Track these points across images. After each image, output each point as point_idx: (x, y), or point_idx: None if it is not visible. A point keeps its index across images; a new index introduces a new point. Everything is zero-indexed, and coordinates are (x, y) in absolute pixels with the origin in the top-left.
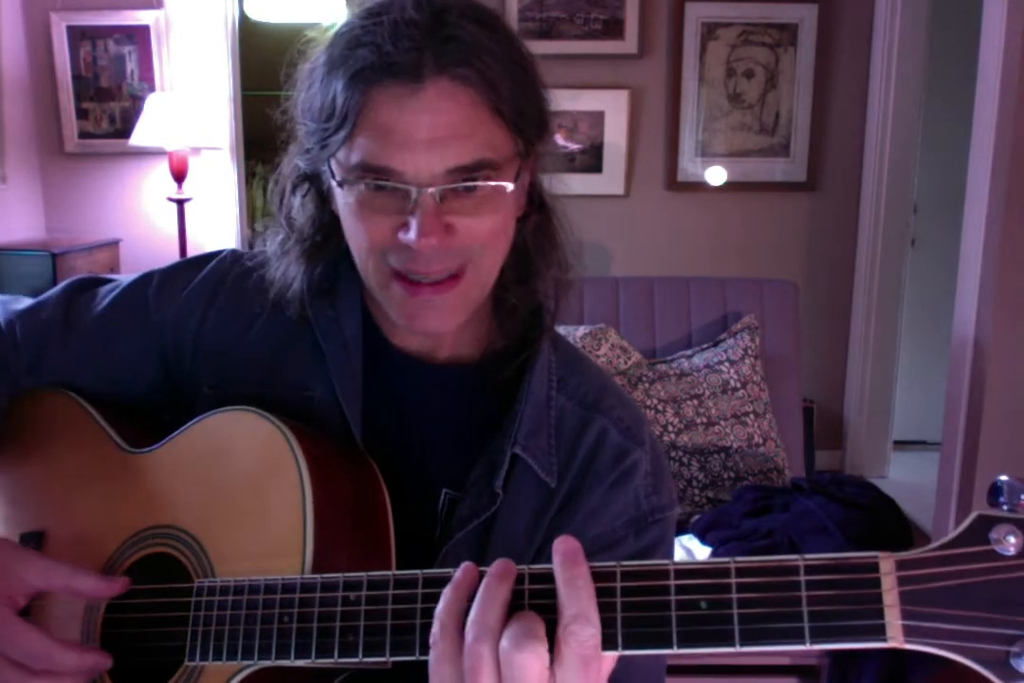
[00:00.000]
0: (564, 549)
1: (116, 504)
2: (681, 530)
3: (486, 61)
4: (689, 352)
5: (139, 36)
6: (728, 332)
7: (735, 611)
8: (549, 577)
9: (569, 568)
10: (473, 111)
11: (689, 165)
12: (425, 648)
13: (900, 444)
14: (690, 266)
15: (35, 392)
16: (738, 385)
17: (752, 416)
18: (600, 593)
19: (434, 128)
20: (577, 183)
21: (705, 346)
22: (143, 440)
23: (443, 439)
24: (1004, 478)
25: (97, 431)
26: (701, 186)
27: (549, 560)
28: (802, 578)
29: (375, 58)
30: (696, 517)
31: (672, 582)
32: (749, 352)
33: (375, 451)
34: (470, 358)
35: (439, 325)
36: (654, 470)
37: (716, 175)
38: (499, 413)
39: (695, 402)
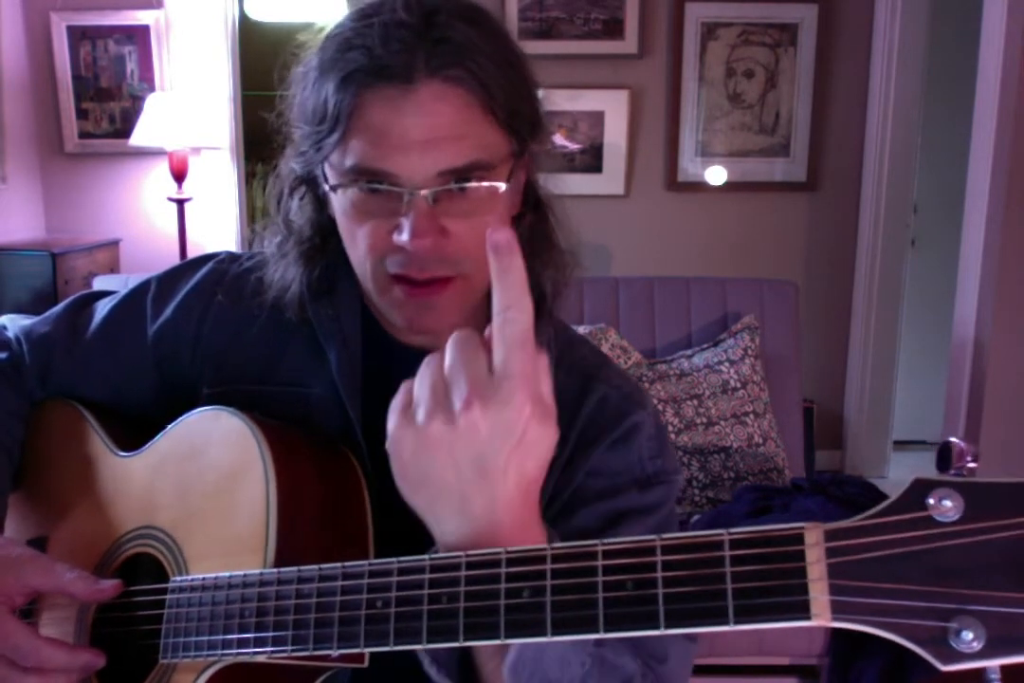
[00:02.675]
0: (496, 241)
1: (107, 508)
2: (682, 530)
3: (478, 61)
4: (689, 352)
5: (139, 36)
6: (728, 332)
7: (660, 591)
8: None
9: (501, 259)
10: (466, 112)
11: (689, 165)
12: (372, 639)
13: (900, 444)
14: (690, 266)
15: (41, 403)
16: (738, 385)
17: (752, 416)
18: (531, 576)
19: (427, 130)
20: (577, 183)
21: (705, 346)
22: (137, 444)
23: None
24: (953, 440)
25: (93, 437)
26: (701, 186)
27: (553, 518)
28: (727, 553)
29: (366, 61)
30: (696, 517)
31: (600, 562)
32: (749, 352)
33: (379, 446)
34: None
35: (436, 325)
36: (657, 435)
37: (716, 175)
38: None
39: (695, 402)
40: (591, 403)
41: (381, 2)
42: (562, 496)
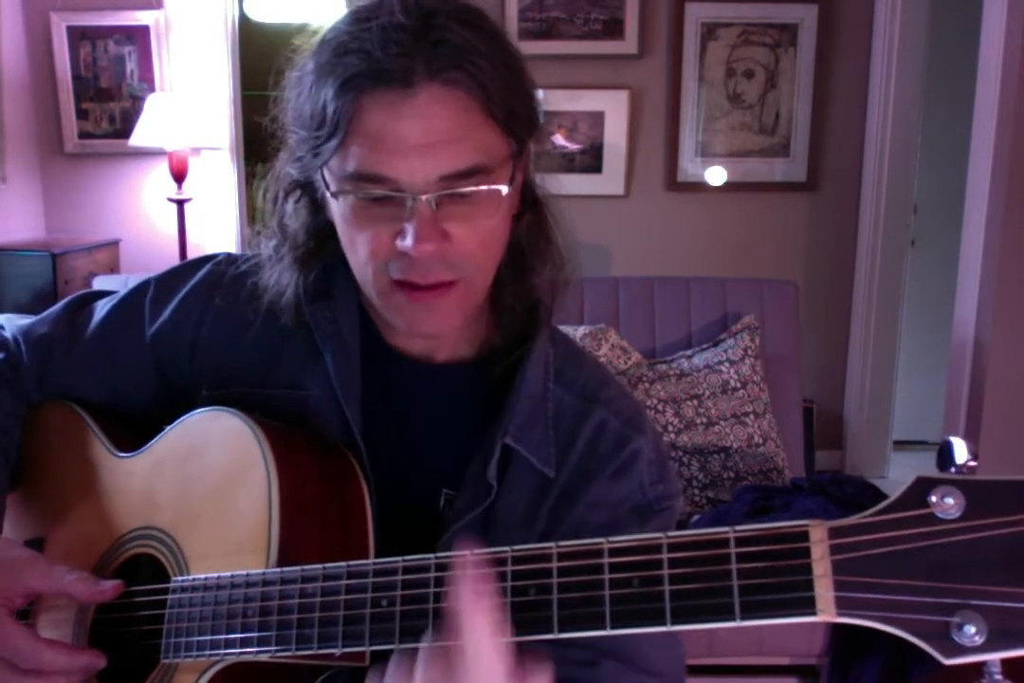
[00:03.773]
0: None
1: (106, 508)
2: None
3: (477, 64)
4: (689, 352)
5: (139, 36)
6: (728, 332)
7: (666, 588)
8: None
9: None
10: (466, 115)
11: (689, 165)
12: (377, 638)
13: (900, 444)
14: (690, 266)
15: (39, 405)
16: (738, 385)
17: (752, 416)
18: (537, 575)
19: (427, 134)
20: (577, 183)
21: (705, 346)
22: (135, 445)
23: (443, 439)
24: (953, 438)
25: (91, 438)
26: (701, 186)
27: None
28: (732, 551)
29: (365, 65)
30: (696, 517)
31: (606, 560)
32: (749, 352)
33: (375, 451)
34: (469, 357)
35: (438, 328)
36: (657, 459)
37: (716, 175)
38: (497, 409)
39: (695, 402)
40: (589, 428)
41: (378, 4)
42: (561, 527)
